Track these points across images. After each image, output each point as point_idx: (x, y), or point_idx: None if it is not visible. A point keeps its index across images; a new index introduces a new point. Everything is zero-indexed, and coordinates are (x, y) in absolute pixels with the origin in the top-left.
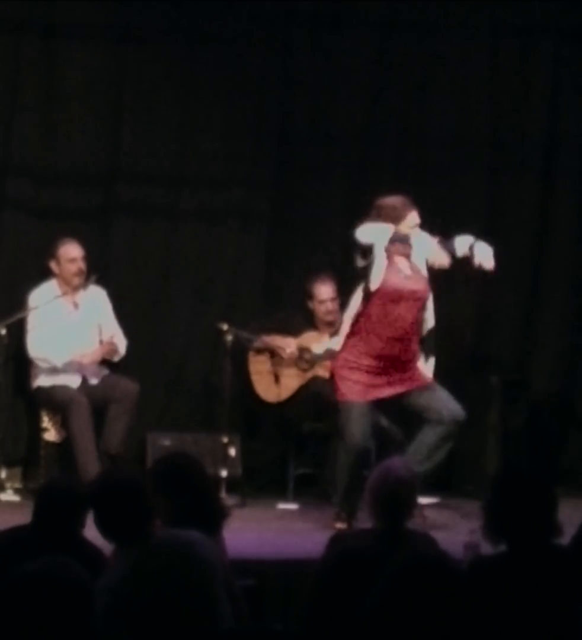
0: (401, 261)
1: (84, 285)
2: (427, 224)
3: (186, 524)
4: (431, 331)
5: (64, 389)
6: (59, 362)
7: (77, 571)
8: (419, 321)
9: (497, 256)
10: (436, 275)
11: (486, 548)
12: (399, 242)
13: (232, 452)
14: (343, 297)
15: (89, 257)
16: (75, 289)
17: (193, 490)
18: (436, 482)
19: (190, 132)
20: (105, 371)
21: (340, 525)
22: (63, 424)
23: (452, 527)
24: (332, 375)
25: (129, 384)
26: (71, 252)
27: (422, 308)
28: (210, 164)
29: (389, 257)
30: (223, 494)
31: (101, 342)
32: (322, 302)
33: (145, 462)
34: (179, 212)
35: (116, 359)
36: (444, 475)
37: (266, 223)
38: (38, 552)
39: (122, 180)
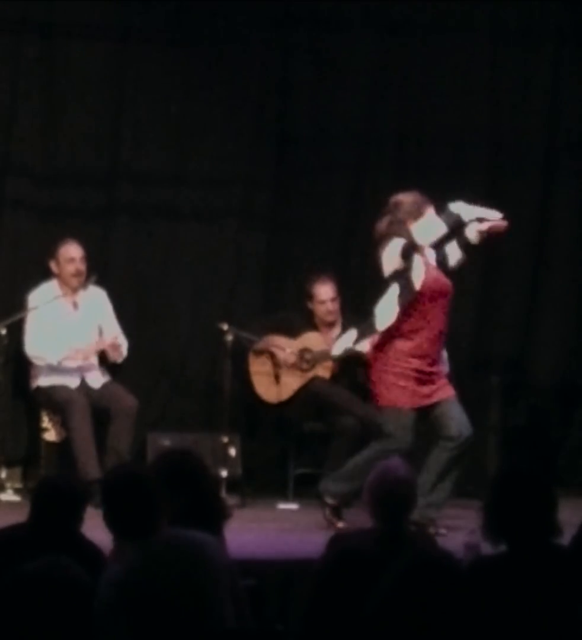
0: (430, 256)
1: (84, 285)
2: None
3: (187, 522)
4: None
5: (64, 389)
6: (54, 360)
7: (76, 571)
8: (447, 320)
9: (497, 256)
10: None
11: (486, 548)
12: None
13: (232, 452)
14: (343, 297)
15: (89, 257)
16: (75, 289)
17: (195, 488)
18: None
19: (190, 132)
20: (106, 377)
21: (341, 524)
22: (63, 424)
23: (452, 527)
24: (372, 381)
25: (130, 399)
26: (70, 252)
27: (449, 305)
28: (210, 164)
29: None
30: (223, 494)
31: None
32: (322, 302)
33: (145, 462)
34: (179, 212)
35: (119, 360)
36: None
37: (266, 223)
38: (35, 551)
39: (122, 180)
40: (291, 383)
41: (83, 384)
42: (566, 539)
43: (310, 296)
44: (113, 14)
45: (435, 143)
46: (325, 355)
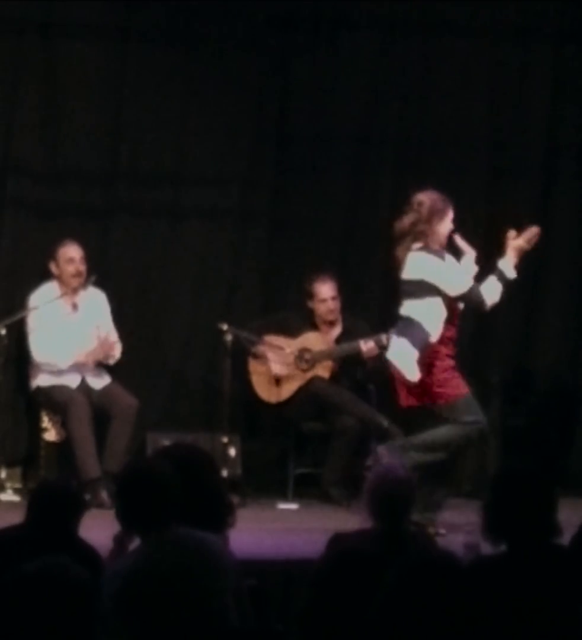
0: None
1: (83, 286)
2: None
3: (191, 519)
4: None
5: (63, 389)
6: (65, 365)
7: (76, 571)
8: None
9: (497, 256)
10: None
11: (486, 548)
12: None
13: (232, 452)
14: (343, 296)
15: (88, 257)
16: (75, 290)
17: (200, 485)
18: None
19: (191, 132)
20: (107, 379)
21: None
22: (63, 424)
23: (452, 527)
24: (437, 385)
25: (130, 400)
26: (69, 253)
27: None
28: (210, 163)
29: None
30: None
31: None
32: (323, 301)
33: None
34: (179, 211)
35: (111, 362)
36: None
37: (266, 223)
38: (32, 552)
39: (122, 180)
40: (291, 383)
41: (83, 384)
42: (566, 539)
43: (310, 295)
44: (113, 14)
45: (435, 143)
46: (324, 355)
